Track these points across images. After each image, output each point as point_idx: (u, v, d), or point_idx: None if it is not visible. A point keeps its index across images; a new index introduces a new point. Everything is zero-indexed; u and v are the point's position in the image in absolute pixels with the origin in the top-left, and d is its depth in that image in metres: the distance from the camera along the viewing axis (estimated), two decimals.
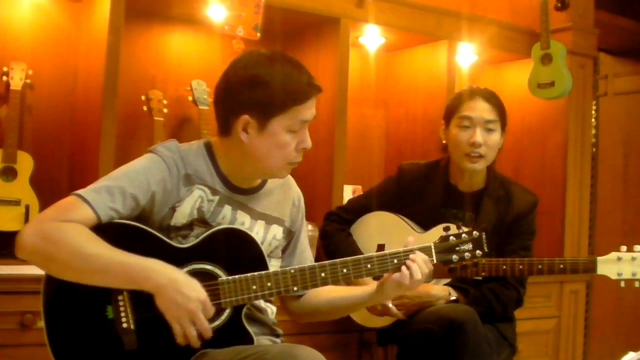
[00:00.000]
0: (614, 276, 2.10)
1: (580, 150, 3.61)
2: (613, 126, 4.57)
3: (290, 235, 1.88)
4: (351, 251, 2.35)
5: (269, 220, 1.80)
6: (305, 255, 1.92)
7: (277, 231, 1.81)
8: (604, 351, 4.14)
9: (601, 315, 4.31)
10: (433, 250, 1.74)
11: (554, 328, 3.47)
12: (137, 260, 1.51)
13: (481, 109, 2.38)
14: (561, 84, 3.25)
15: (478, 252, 1.76)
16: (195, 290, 1.52)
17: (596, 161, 3.75)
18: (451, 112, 2.45)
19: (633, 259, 2.07)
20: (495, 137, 2.40)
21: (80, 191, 1.57)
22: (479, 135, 2.36)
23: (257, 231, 1.76)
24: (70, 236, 1.50)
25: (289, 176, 1.88)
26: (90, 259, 1.49)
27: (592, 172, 3.69)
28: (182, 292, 1.50)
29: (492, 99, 2.42)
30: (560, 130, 3.58)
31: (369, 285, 1.80)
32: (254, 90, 1.63)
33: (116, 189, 1.59)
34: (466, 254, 1.75)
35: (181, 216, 1.66)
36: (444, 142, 2.50)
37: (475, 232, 1.76)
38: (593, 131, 3.73)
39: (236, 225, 1.71)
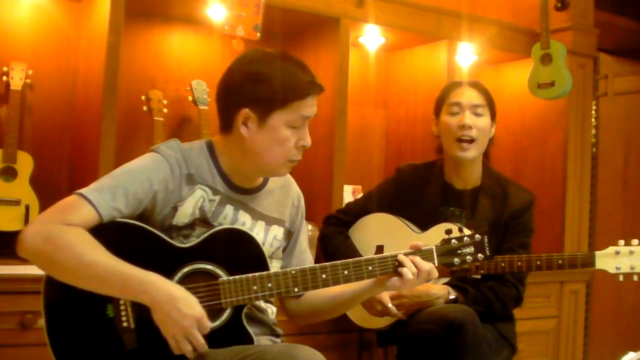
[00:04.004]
0: (612, 270, 2.11)
1: (580, 150, 3.61)
2: (613, 126, 4.57)
3: (290, 236, 1.88)
4: (349, 253, 2.35)
5: (269, 221, 1.79)
6: (305, 257, 1.91)
7: (277, 232, 1.81)
8: (604, 351, 4.14)
9: (601, 315, 4.31)
10: (435, 254, 1.73)
11: (554, 328, 3.47)
12: (136, 272, 1.51)
13: (469, 95, 2.43)
14: (561, 84, 3.25)
15: (480, 255, 1.76)
16: (192, 308, 1.50)
17: (596, 161, 3.75)
18: (440, 103, 2.50)
19: (631, 252, 2.09)
20: (485, 121, 2.42)
21: (82, 190, 1.57)
22: (468, 118, 2.39)
23: (258, 232, 1.76)
24: (71, 241, 1.50)
25: (290, 176, 1.89)
26: (89, 266, 1.49)
27: (592, 172, 3.68)
28: (178, 309, 1.49)
29: (479, 86, 2.48)
30: (560, 130, 3.58)
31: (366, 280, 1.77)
32: (256, 85, 1.64)
33: (118, 188, 1.59)
34: (468, 257, 1.75)
35: (183, 216, 1.66)
36: (436, 135, 2.51)
37: (477, 236, 1.76)
38: (593, 131, 3.72)
39: (237, 226, 1.71)
